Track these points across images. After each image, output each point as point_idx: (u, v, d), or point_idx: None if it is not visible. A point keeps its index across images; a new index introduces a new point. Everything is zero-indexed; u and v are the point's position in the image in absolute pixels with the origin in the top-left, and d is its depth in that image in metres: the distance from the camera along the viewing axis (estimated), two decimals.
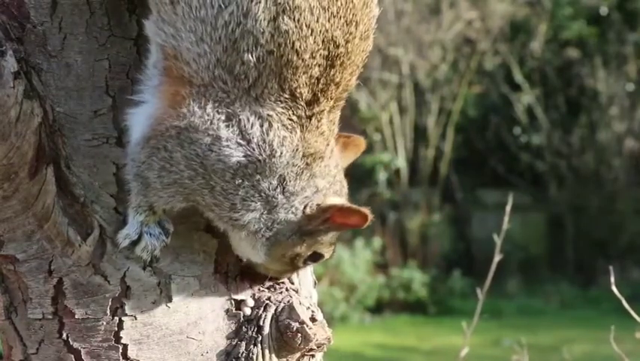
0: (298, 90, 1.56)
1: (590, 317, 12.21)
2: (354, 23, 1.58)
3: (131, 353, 1.69)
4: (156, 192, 1.62)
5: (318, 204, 1.64)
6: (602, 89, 15.26)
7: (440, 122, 15.16)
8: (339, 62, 1.58)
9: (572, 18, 15.60)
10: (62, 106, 1.65)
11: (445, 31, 15.04)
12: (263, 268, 1.74)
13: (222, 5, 1.52)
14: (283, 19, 1.51)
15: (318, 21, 1.53)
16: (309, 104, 1.58)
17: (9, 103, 1.55)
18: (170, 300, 1.70)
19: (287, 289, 1.80)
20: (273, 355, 1.74)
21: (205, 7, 1.52)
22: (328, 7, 1.54)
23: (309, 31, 1.53)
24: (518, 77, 15.44)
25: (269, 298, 1.77)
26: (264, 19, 1.51)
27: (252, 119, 1.56)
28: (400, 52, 14.45)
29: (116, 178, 1.67)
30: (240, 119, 1.56)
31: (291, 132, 1.58)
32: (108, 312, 1.68)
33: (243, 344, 1.74)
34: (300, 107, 1.57)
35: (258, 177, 1.59)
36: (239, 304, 1.76)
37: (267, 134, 1.56)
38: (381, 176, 14.31)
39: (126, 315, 1.68)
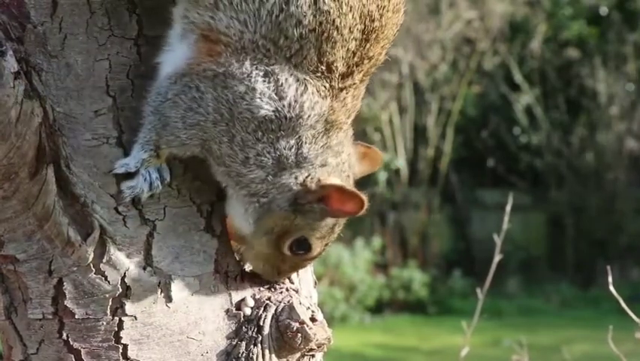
0: (335, 64, 1.61)
1: (590, 317, 12.21)
2: None
3: (131, 353, 1.69)
4: (175, 131, 1.63)
5: (319, 179, 1.65)
6: (602, 89, 15.27)
7: (440, 122, 15.16)
8: (374, 36, 1.64)
9: (571, 18, 15.61)
10: (62, 106, 1.65)
11: (445, 31, 15.05)
12: (249, 247, 1.74)
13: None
14: (324, 0, 1.57)
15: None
16: (343, 77, 1.63)
17: (9, 103, 1.55)
18: (170, 300, 1.70)
19: (287, 289, 1.80)
20: (273, 355, 1.74)
21: (246, 2, 1.57)
22: None
23: (348, 8, 1.59)
24: (518, 77, 15.44)
25: (269, 298, 1.77)
26: (305, 3, 1.57)
27: (289, 80, 1.60)
28: (400, 52, 14.45)
29: (116, 178, 1.67)
30: (277, 78, 1.60)
31: (323, 99, 1.62)
32: (108, 312, 1.68)
33: (243, 344, 1.74)
34: (335, 78, 1.62)
35: (280, 133, 1.62)
36: (239, 304, 1.76)
37: (301, 96, 1.60)
38: (381, 176, 14.32)
39: (126, 315, 1.68)
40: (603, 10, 15.59)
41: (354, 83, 1.65)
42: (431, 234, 14.77)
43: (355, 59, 1.63)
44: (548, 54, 15.69)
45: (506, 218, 3.00)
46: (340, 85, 1.63)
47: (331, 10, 1.57)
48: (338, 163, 1.68)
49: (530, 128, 15.63)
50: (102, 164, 1.67)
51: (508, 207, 2.98)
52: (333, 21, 1.58)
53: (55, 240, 1.65)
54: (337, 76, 1.62)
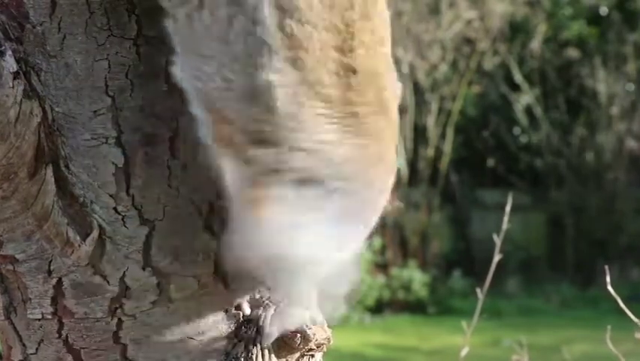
0: (326, 90, 1.50)
1: (590, 317, 12.21)
2: (350, 8, 1.52)
3: (130, 353, 1.69)
4: None
5: None
6: (602, 89, 15.27)
7: (440, 122, 15.16)
8: (347, 48, 1.52)
9: (571, 18, 15.61)
10: (61, 106, 1.65)
11: (445, 30, 15.05)
12: None
13: (230, 17, 1.47)
14: (286, 22, 1.47)
15: (319, 15, 1.48)
16: (345, 104, 1.53)
17: (8, 103, 1.55)
18: (169, 300, 1.70)
19: None
20: (273, 355, 1.74)
21: (216, 23, 1.48)
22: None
23: (312, 27, 1.49)
24: (518, 76, 15.44)
25: (269, 298, 1.77)
26: (273, 25, 1.46)
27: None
28: (400, 52, 14.44)
29: (116, 178, 1.67)
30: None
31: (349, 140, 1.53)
32: (107, 312, 1.68)
33: (243, 343, 1.74)
34: (340, 111, 1.52)
35: None
36: (238, 304, 1.76)
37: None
38: None
39: (125, 315, 1.68)
40: (603, 10, 15.58)
41: (357, 109, 1.56)
42: (431, 234, 14.76)
43: (343, 78, 1.52)
44: (548, 54, 15.68)
45: (506, 218, 3.00)
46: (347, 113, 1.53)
47: (296, 32, 1.47)
48: None
49: (530, 128, 15.62)
50: (101, 164, 1.67)
51: (508, 207, 2.98)
52: (301, 43, 1.47)
53: (55, 240, 1.65)
54: (338, 105, 1.52)
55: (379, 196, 1.62)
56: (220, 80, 1.48)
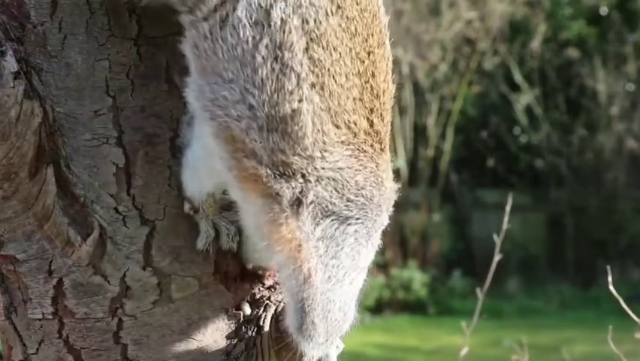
0: (351, 121, 1.50)
1: (590, 318, 12.21)
2: (370, 36, 1.53)
3: (130, 353, 1.69)
4: None
5: None
6: (602, 89, 15.26)
7: (440, 122, 15.16)
8: (370, 74, 1.52)
9: (571, 18, 15.60)
10: (62, 106, 1.65)
11: (445, 31, 15.04)
12: None
13: (256, 40, 1.46)
14: (314, 48, 1.46)
15: (343, 43, 1.48)
16: (367, 132, 1.53)
17: (9, 103, 1.55)
18: (170, 300, 1.70)
19: None
20: (273, 355, 1.74)
21: (240, 44, 1.46)
22: (347, 28, 1.50)
23: (338, 54, 1.48)
24: (518, 76, 15.44)
25: (269, 298, 1.77)
26: (300, 50, 1.45)
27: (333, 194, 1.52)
28: (400, 52, 14.44)
29: (117, 178, 1.67)
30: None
31: (365, 170, 1.55)
32: (108, 312, 1.68)
33: (243, 343, 1.74)
34: (362, 138, 1.52)
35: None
36: (239, 304, 1.76)
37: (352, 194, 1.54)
38: None
39: (126, 315, 1.68)
40: (603, 10, 15.58)
41: (380, 131, 1.56)
42: (431, 234, 14.76)
43: (366, 104, 1.52)
44: (548, 54, 15.68)
45: (506, 218, 3.00)
46: (370, 141, 1.54)
47: (322, 59, 1.47)
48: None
49: (530, 128, 15.62)
50: (102, 164, 1.67)
51: (508, 207, 2.98)
52: (328, 70, 1.47)
53: (55, 240, 1.65)
54: (361, 133, 1.52)
55: (385, 217, 1.64)
56: (244, 107, 1.45)
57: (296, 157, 1.47)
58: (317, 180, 1.49)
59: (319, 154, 1.48)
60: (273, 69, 1.44)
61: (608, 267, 2.65)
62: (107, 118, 1.66)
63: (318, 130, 1.46)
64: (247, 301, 1.77)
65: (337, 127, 1.48)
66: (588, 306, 13.14)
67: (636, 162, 15.42)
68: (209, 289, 1.74)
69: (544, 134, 15.53)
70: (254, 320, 1.75)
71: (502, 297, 13.05)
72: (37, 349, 1.71)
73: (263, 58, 1.44)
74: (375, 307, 13.24)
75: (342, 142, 1.49)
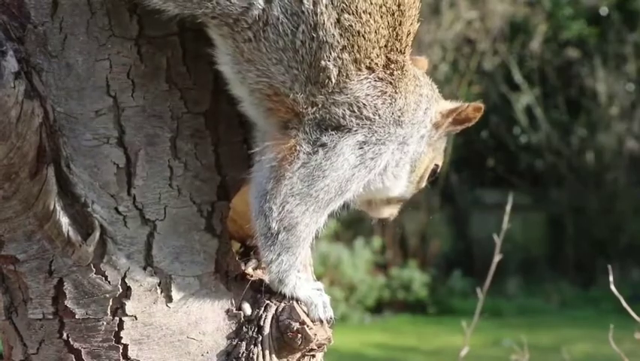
0: (372, 62, 1.72)
1: (590, 317, 12.20)
2: None
3: (131, 353, 1.69)
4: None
5: (438, 112, 1.88)
6: (602, 89, 15.26)
7: None
8: (398, 23, 1.75)
9: (571, 18, 15.60)
10: (63, 106, 1.65)
11: (445, 31, 15.04)
12: (387, 203, 2.05)
13: (294, 29, 1.67)
14: (345, 17, 1.68)
15: (372, 3, 1.70)
16: (386, 66, 1.75)
17: (9, 103, 1.55)
18: (170, 300, 1.70)
19: None
20: (274, 355, 1.74)
21: (281, 37, 1.67)
22: None
23: (368, 15, 1.70)
24: (518, 77, 15.43)
25: (269, 298, 1.77)
26: (331, 25, 1.67)
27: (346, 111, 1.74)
28: None
29: (117, 178, 1.67)
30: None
31: (384, 95, 1.76)
32: (108, 312, 1.68)
33: (244, 344, 1.74)
34: (380, 72, 1.74)
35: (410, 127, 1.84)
36: (239, 304, 1.76)
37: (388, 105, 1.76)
38: None
39: (126, 315, 1.68)
40: (603, 10, 15.57)
41: (401, 61, 1.77)
42: (431, 234, 14.75)
43: (389, 47, 1.75)
44: (548, 54, 15.67)
45: (506, 218, 3.00)
46: (388, 72, 1.76)
47: (353, 24, 1.68)
48: (430, 88, 1.91)
49: (530, 129, 15.61)
50: (103, 164, 1.67)
51: (508, 207, 2.98)
52: (358, 32, 1.69)
53: (56, 240, 1.65)
54: (380, 69, 1.74)
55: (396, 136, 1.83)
56: (289, 76, 1.70)
57: (321, 96, 1.72)
58: (332, 104, 1.73)
59: (338, 90, 1.72)
60: (310, 47, 1.68)
61: (609, 266, 2.65)
62: (107, 118, 1.67)
63: (342, 74, 1.71)
64: (247, 302, 1.77)
65: (359, 70, 1.71)
66: (588, 306, 13.14)
67: (636, 162, 15.42)
68: (209, 290, 1.74)
69: (544, 135, 15.53)
70: (254, 320, 1.75)
71: (502, 297, 13.05)
72: (38, 349, 1.71)
73: (301, 41, 1.67)
74: (375, 307, 13.23)
75: (362, 80, 1.73)
